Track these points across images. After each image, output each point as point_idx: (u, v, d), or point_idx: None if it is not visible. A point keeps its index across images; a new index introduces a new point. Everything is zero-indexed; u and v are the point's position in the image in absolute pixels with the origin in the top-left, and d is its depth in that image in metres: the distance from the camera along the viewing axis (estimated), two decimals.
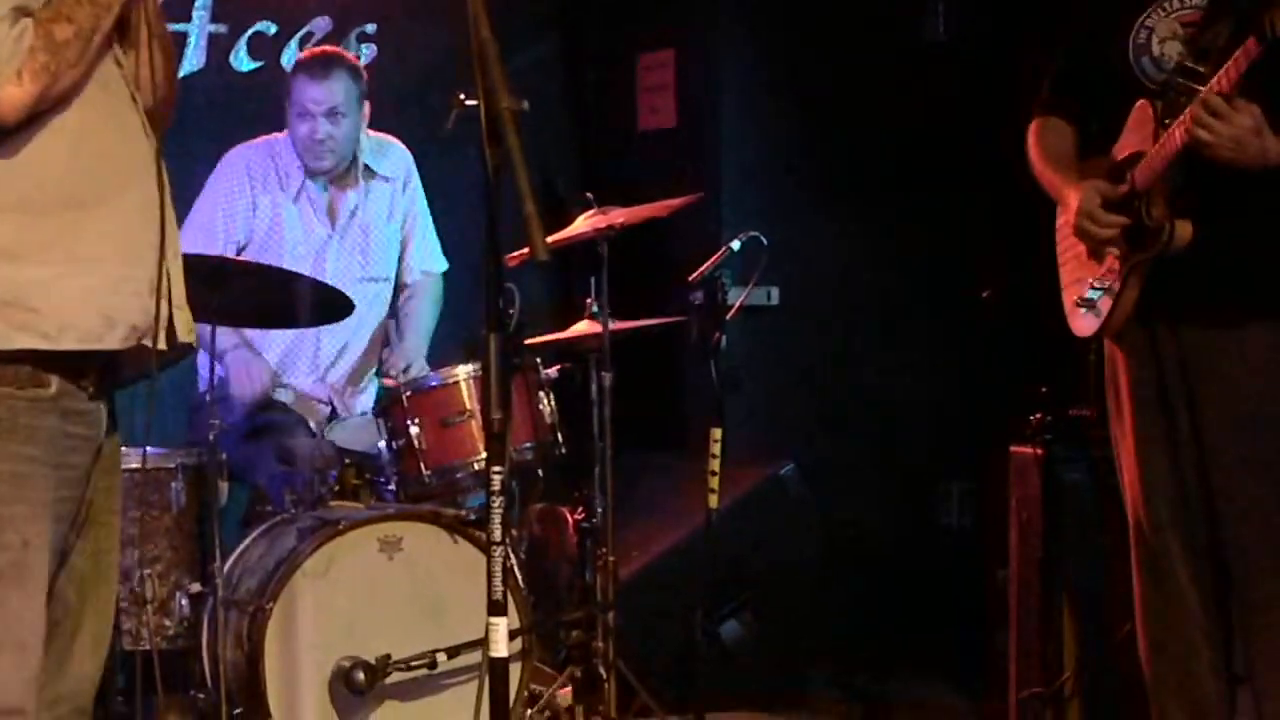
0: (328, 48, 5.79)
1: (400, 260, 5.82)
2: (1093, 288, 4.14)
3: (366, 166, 5.70)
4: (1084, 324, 4.23)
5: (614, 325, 5.18)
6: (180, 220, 5.44)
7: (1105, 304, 4.12)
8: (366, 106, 5.63)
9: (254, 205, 5.59)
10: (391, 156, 5.80)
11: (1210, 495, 4.05)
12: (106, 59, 3.29)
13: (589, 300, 5.25)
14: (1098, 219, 4.09)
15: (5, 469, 3.14)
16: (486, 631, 3.05)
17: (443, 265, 5.92)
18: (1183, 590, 4.10)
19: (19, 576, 3.18)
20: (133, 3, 3.30)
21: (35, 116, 3.16)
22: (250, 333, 5.56)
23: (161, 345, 3.27)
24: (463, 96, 3.21)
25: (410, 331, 5.82)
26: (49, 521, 3.21)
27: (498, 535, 3.04)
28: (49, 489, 3.19)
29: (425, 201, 5.87)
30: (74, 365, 3.21)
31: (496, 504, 3.04)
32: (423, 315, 5.85)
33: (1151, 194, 3.97)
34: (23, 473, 3.16)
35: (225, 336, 5.29)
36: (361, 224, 5.69)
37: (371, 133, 5.73)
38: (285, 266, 5.34)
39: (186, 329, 3.36)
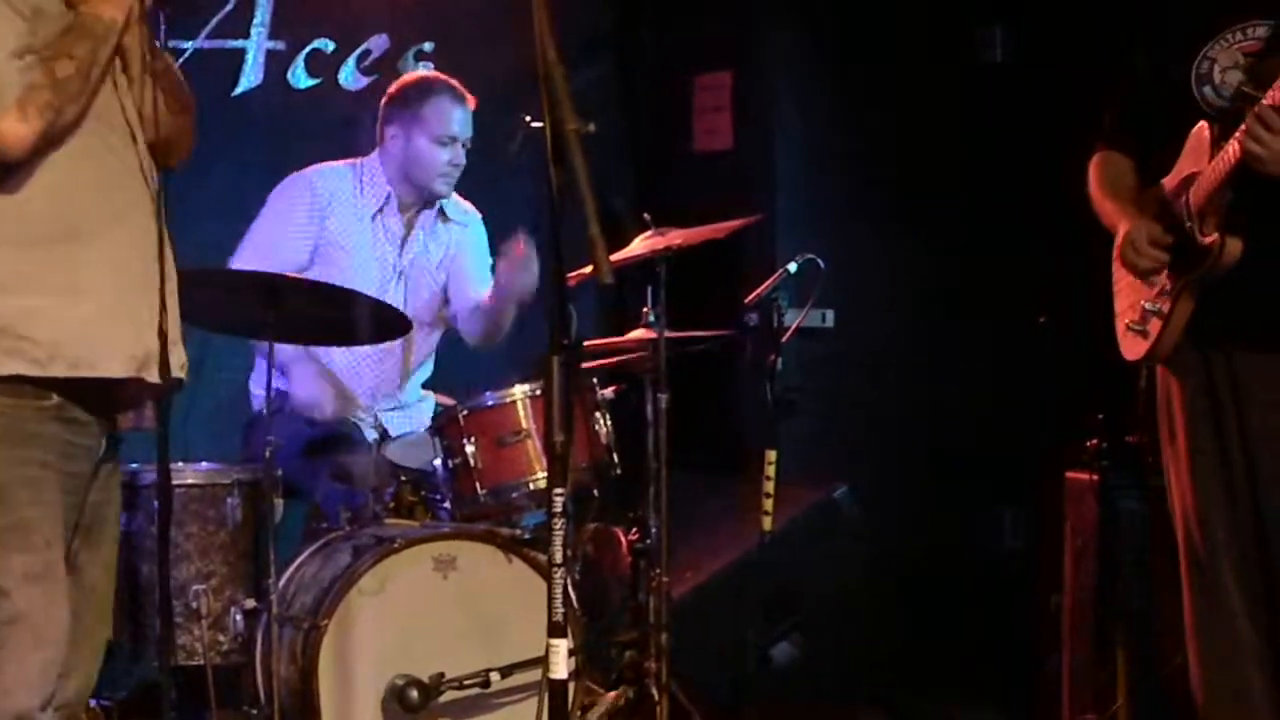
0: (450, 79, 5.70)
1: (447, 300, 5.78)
2: (1144, 310, 4.14)
3: (441, 210, 5.69)
4: (1134, 347, 4.23)
5: (669, 334, 5.17)
6: (240, 236, 5.53)
7: (1155, 326, 4.12)
8: None
9: (320, 227, 5.51)
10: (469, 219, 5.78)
11: (1263, 520, 4.04)
12: (104, 91, 3.37)
13: (645, 310, 5.24)
14: (1141, 249, 4.10)
15: (18, 474, 3.26)
16: (546, 653, 3.04)
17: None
18: (1236, 615, 4.09)
19: (49, 577, 3.29)
20: (125, 31, 3.36)
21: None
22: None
23: (154, 378, 3.37)
24: (528, 118, 3.21)
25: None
26: (60, 524, 3.32)
27: (559, 557, 3.03)
28: (59, 492, 3.31)
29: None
30: (72, 385, 3.31)
31: (558, 526, 3.03)
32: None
33: (1205, 212, 3.98)
34: (35, 476, 3.28)
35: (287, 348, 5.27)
36: (423, 264, 5.65)
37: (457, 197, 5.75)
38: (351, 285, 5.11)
39: (179, 364, 3.44)
